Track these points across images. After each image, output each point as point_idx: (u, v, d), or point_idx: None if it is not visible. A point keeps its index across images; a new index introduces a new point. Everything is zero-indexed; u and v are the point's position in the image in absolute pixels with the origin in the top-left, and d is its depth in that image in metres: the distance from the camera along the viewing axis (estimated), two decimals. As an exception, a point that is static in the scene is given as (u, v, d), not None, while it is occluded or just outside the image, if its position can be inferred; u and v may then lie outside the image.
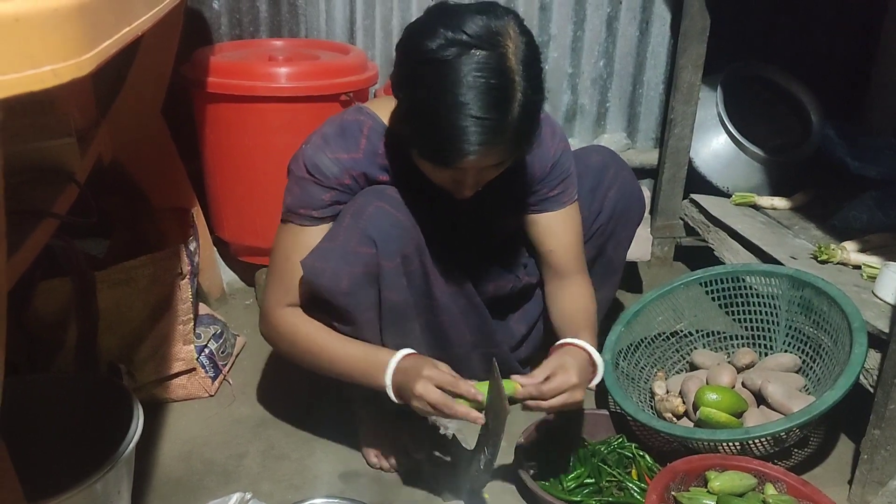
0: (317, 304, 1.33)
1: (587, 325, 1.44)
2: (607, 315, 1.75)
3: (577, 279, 1.51)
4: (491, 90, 1.10)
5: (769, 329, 1.72)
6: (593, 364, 1.35)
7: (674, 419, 1.57)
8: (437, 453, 1.50)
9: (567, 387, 1.24)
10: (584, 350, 1.34)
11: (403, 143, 1.26)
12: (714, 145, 2.39)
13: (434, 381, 1.20)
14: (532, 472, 1.42)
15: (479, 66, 1.09)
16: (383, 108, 1.37)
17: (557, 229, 1.48)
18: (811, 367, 1.60)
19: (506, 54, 1.11)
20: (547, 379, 1.25)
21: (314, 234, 1.33)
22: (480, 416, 1.20)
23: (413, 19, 1.22)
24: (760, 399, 1.54)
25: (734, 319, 1.78)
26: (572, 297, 1.49)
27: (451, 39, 1.10)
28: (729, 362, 1.68)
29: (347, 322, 1.33)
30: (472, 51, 1.10)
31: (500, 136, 1.14)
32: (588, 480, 1.41)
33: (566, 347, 1.34)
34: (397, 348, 1.32)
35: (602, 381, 1.59)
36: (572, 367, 1.27)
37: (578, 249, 1.51)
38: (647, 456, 1.47)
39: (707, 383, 1.59)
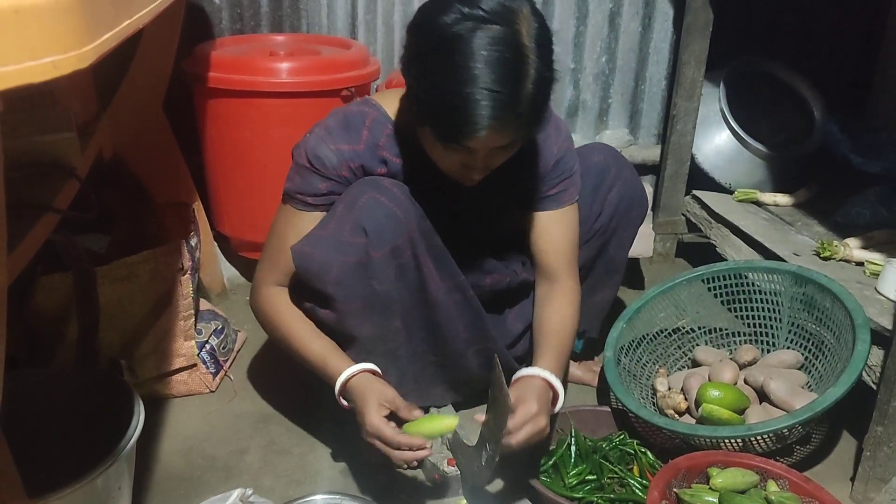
0: (306, 289, 1.35)
1: (555, 346, 1.41)
2: (609, 312, 1.75)
3: (565, 285, 1.49)
4: (505, 64, 1.10)
5: (771, 326, 1.72)
6: (554, 390, 1.33)
7: (676, 416, 1.56)
8: (438, 450, 1.49)
9: (529, 416, 1.23)
10: (541, 378, 1.32)
11: (414, 124, 1.25)
12: (716, 141, 2.38)
13: (375, 436, 1.24)
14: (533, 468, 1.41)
15: (493, 41, 1.10)
16: (388, 100, 1.38)
17: (552, 230, 1.48)
18: (814, 363, 1.60)
19: (520, 31, 1.12)
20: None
21: (308, 219, 1.36)
22: (425, 452, 1.23)
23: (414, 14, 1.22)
24: (763, 396, 1.54)
25: (736, 316, 1.77)
26: (552, 311, 1.47)
27: (466, 14, 1.11)
28: (731, 359, 1.67)
29: (332, 310, 1.34)
30: (487, 25, 1.10)
31: (513, 111, 1.13)
32: (590, 477, 1.41)
33: (522, 380, 1.33)
34: (372, 339, 1.35)
35: (604, 377, 1.60)
36: (531, 397, 1.26)
37: (570, 253, 1.50)
38: (648, 452, 1.46)
39: (709, 380, 1.58)
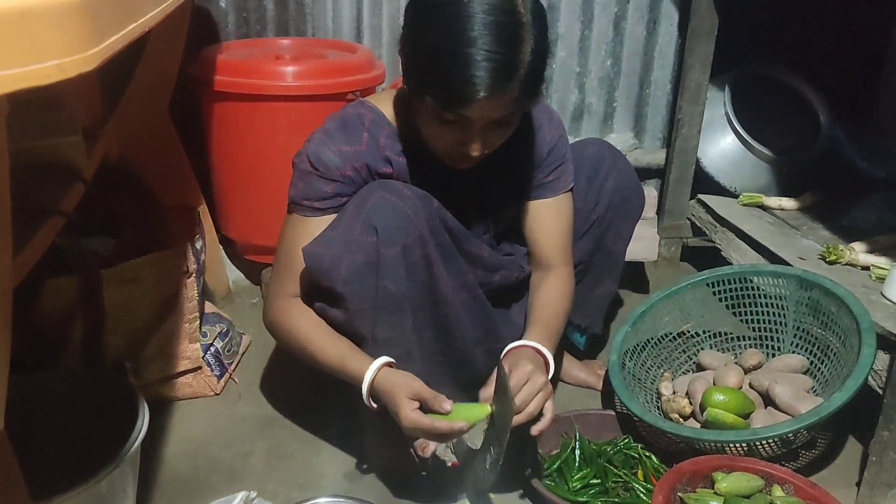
0: (316, 291, 1.34)
1: (542, 319, 1.43)
2: (613, 315, 1.75)
3: (559, 272, 1.50)
4: (503, 28, 1.13)
5: (777, 330, 1.71)
6: (543, 356, 1.34)
7: (680, 420, 1.56)
8: (442, 453, 1.49)
9: (527, 375, 1.25)
10: (529, 346, 1.34)
11: (411, 106, 1.26)
12: (722, 145, 2.38)
13: (415, 430, 1.23)
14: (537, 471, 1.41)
15: (490, 6, 1.13)
16: (383, 101, 1.39)
17: (545, 218, 1.49)
18: (819, 368, 1.59)
19: (515, 1, 1.15)
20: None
21: (317, 225, 1.34)
22: (463, 424, 1.22)
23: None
24: (768, 400, 1.53)
25: (741, 320, 1.77)
26: (543, 291, 1.49)
27: None
28: (736, 363, 1.67)
29: (342, 309, 1.33)
30: None
31: (511, 75, 1.15)
32: (594, 481, 1.40)
33: (510, 352, 1.34)
34: (387, 342, 1.33)
35: (609, 381, 1.59)
36: (522, 360, 1.28)
37: (564, 241, 1.51)
38: (653, 457, 1.46)
39: (714, 384, 1.58)
